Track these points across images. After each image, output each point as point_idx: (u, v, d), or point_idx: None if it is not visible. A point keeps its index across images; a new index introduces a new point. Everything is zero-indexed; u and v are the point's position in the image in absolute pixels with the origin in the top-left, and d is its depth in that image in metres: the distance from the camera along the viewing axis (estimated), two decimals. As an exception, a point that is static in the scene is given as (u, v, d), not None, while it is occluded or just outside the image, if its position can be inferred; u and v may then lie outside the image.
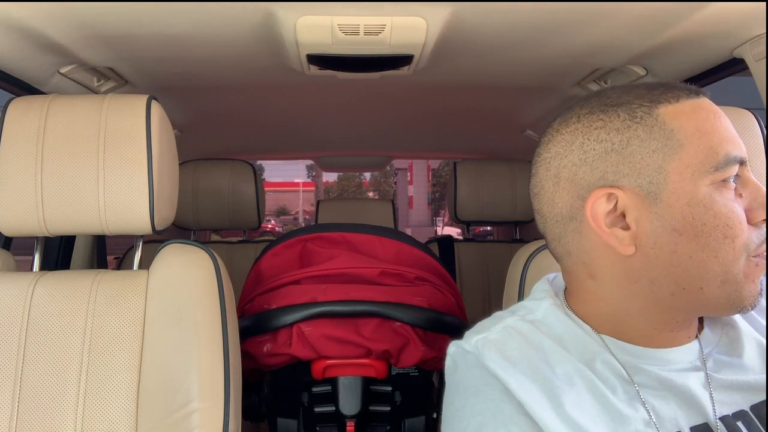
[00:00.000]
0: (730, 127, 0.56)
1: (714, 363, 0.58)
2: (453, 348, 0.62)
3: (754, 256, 0.54)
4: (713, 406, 0.55)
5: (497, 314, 0.65)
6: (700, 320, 0.62)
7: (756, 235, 0.54)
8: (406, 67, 1.17)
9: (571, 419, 0.52)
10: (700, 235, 0.52)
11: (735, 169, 0.54)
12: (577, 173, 0.57)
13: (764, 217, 0.54)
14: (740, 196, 0.54)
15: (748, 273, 0.54)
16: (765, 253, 0.55)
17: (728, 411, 0.56)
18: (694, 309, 0.57)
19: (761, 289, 0.55)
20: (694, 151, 0.53)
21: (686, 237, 0.53)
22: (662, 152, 0.54)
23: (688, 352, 0.58)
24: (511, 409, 0.54)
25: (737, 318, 0.62)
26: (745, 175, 0.55)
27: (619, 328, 0.58)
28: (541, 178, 0.61)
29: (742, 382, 0.57)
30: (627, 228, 0.55)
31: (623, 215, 0.55)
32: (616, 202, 0.55)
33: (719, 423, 0.55)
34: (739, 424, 0.55)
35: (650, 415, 0.54)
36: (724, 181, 0.53)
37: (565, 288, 0.65)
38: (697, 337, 0.60)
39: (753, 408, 0.56)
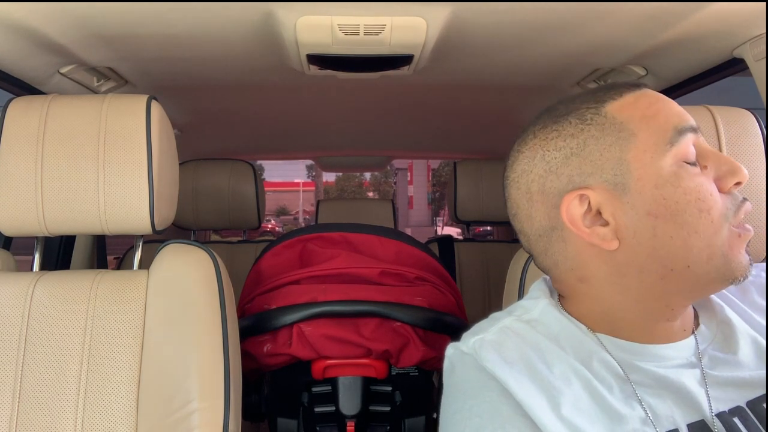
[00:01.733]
0: (674, 105, 0.58)
1: (709, 360, 0.58)
2: (451, 350, 0.63)
3: (735, 227, 0.54)
4: (709, 402, 0.55)
5: (494, 315, 0.65)
6: (696, 317, 0.62)
7: (731, 203, 0.55)
8: (406, 67, 1.17)
9: (569, 419, 0.53)
10: (675, 214, 0.53)
11: (689, 138, 0.55)
12: (546, 184, 0.59)
13: (735, 181, 0.55)
14: (705, 167, 0.56)
15: (732, 244, 0.54)
16: (744, 223, 0.56)
17: (724, 407, 0.56)
18: (686, 290, 0.57)
19: (750, 260, 0.56)
20: (647, 135, 0.55)
21: (662, 219, 0.54)
22: (618, 144, 0.56)
23: (683, 348, 0.58)
24: (509, 410, 0.54)
25: (732, 315, 0.63)
26: (702, 146, 0.57)
27: (614, 326, 0.59)
28: (514, 199, 0.63)
29: (738, 378, 0.57)
30: (606, 224, 0.56)
31: (599, 213, 0.56)
32: (589, 201, 0.56)
33: (716, 419, 0.55)
34: (736, 420, 0.55)
35: (647, 413, 0.54)
36: (686, 161, 0.54)
37: (559, 294, 0.65)
38: (693, 333, 0.60)
39: (749, 404, 0.57)
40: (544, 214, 0.59)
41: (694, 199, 0.53)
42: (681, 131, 0.55)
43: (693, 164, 0.55)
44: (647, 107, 0.57)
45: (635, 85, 0.59)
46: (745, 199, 0.56)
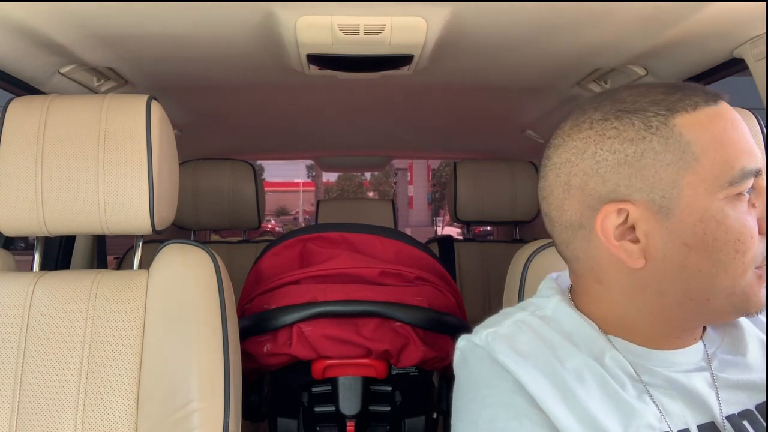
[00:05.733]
0: (747, 136, 0.54)
1: (719, 363, 0.58)
2: (463, 342, 0.62)
3: (757, 267, 0.53)
4: (719, 405, 0.55)
5: (505, 311, 0.65)
6: None
7: (764, 247, 0.53)
8: (406, 67, 1.17)
9: (583, 413, 0.52)
10: (711, 250, 0.52)
11: (750, 182, 0.52)
12: (588, 183, 0.56)
13: None
14: (753, 206, 0.53)
15: (754, 284, 0.53)
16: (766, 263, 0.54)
17: (734, 410, 0.56)
18: (701, 318, 0.57)
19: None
20: (710, 165, 0.52)
21: (697, 252, 0.52)
22: (677, 166, 0.52)
23: (693, 353, 0.58)
24: (523, 402, 0.54)
25: (740, 318, 0.62)
26: (760, 185, 0.54)
27: (626, 331, 0.58)
28: (550, 183, 0.60)
29: (747, 381, 0.57)
30: (636, 241, 0.54)
31: (633, 227, 0.54)
32: (627, 215, 0.54)
33: (725, 422, 0.55)
34: (745, 423, 0.55)
35: (660, 410, 0.54)
36: (739, 194, 0.52)
37: (571, 287, 0.65)
38: (701, 338, 0.60)
39: (758, 407, 0.57)
40: (577, 211, 0.57)
41: (734, 240, 0.51)
42: (746, 174, 0.52)
43: (743, 201, 0.52)
44: (721, 132, 0.53)
45: (713, 97, 0.54)
46: None
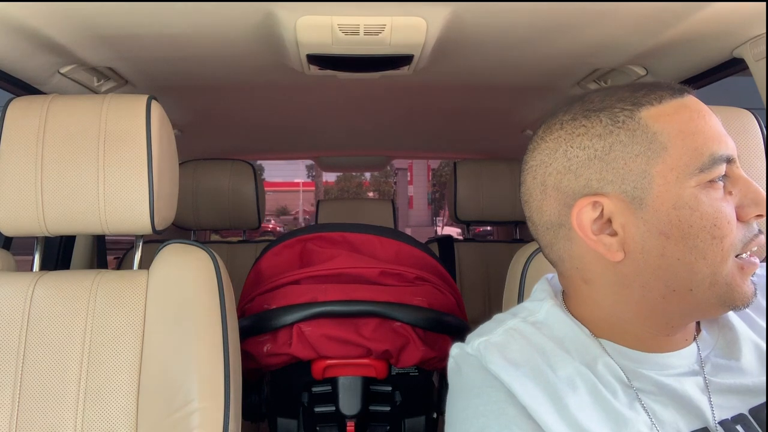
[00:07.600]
0: (716, 126, 0.55)
1: (712, 367, 0.58)
2: (456, 350, 0.62)
3: (737, 256, 0.53)
4: (712, 410, 0.55)
5: (498, 317, 0.65)
6: (698, 322, 0.62)
7: (743, 234, 0.53)
8: (406, 67, 1.17)
9: (574, 422, 0.52)
10: (687, 237, 0.52)
11: (722, 168, 0.53)
12: (562, 181, 0.57)
13: (756, 213, 0.54)
14: (730, 194, 0.54)
15: (736, 274, 0.53)
16: (750, 253, 0.54)
17: (727, 415, 0.55)
18: (687, 311, 0.56)
19: (755, 289, 0.55)
20: (678, 154, 0.53)
21: (673, 240, 0.52)
22: (645, 156, 0.53)
23: (685, 356, 0.58)
24: (515, 411, 0.54)
25: (735, 320, 0.62)
26: (735, 173, 0.54)
27: (616, 333, 0.58)
28: (528, 186, 0.61)
29: (741, 385, 0.57)
30: (614, 234, 0.55)
31: (609, 221, 0.55)
32: (602, 209, 0.55)
33: (719, 428, 0.54)
34: (739, 428, 0.55)
35: (651, 419, 0.53)
36: (711, 181, 0.52)
37: (563, 290, 0.65)
38: (694, 339, 0.60)
39: (751, 411, 0.56)
40: (555, 210, 0.58)
41: (709, 225, 0.52)
42: (716, 160, 0.52)
43: (716, 188, 0.53)
44: (686, 122, 0.53)
45: (679, 90, 0.56)
46: (761, 232, 0.54)
